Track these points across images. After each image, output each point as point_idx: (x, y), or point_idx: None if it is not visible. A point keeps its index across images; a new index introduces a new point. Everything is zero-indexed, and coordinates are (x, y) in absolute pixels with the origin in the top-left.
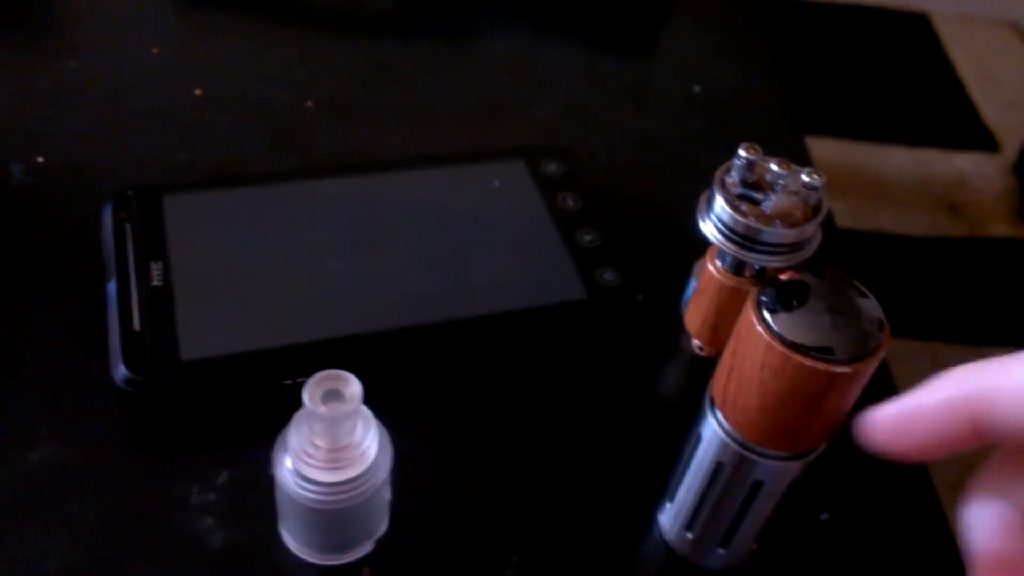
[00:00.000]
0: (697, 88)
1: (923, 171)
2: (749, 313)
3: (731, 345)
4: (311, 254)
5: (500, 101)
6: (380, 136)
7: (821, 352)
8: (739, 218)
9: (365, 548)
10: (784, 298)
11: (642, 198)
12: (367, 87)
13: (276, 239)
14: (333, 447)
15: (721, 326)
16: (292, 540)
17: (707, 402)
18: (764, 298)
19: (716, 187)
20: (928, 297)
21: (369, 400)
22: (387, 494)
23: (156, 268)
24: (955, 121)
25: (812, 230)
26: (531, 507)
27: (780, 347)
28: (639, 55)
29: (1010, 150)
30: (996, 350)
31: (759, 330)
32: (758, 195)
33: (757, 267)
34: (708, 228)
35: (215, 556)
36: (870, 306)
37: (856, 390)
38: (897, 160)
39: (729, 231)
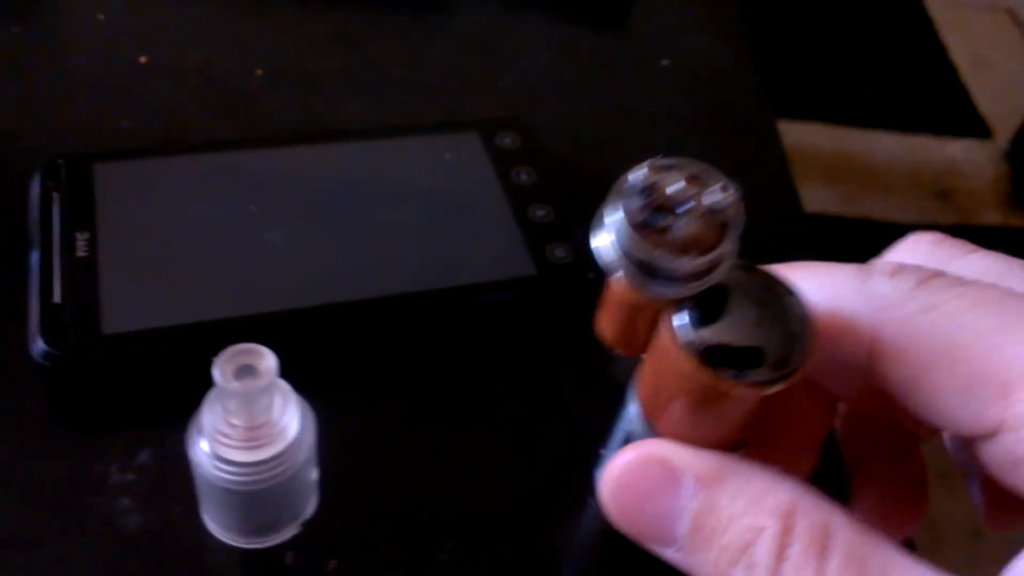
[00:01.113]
0: (665, 62)
1: (914, 157)
2: (665, 337)
3: (652, 361)
4: (248, 226)
5: (463, 72)
6: (334, 107)
7: (751, 356)
8: (641, 248)
9: (290, 531)
10: (703, 310)
11: (604, 174)
12: (321, 56)
13: (213, 210)
14: (250, 425)
15: (633, 332)
16: (213, 523)
17: (632, 399)
18: (679, 323)
19: (615, 206)
20: None
21: (304, 378)
22: (313, 475)
23: (82, 239)
24: (948, 107)
25: (726, 250)
26: (467, 490)
27: (707, 376)
28: (607, 27)
29: (1002, 137)
30: None
31: (680, 357)
32: (663, 219)
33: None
34: (605, 251)
35: (132, 539)
36: (797, 304)
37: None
38: (888, 146)
39: (630, 259)
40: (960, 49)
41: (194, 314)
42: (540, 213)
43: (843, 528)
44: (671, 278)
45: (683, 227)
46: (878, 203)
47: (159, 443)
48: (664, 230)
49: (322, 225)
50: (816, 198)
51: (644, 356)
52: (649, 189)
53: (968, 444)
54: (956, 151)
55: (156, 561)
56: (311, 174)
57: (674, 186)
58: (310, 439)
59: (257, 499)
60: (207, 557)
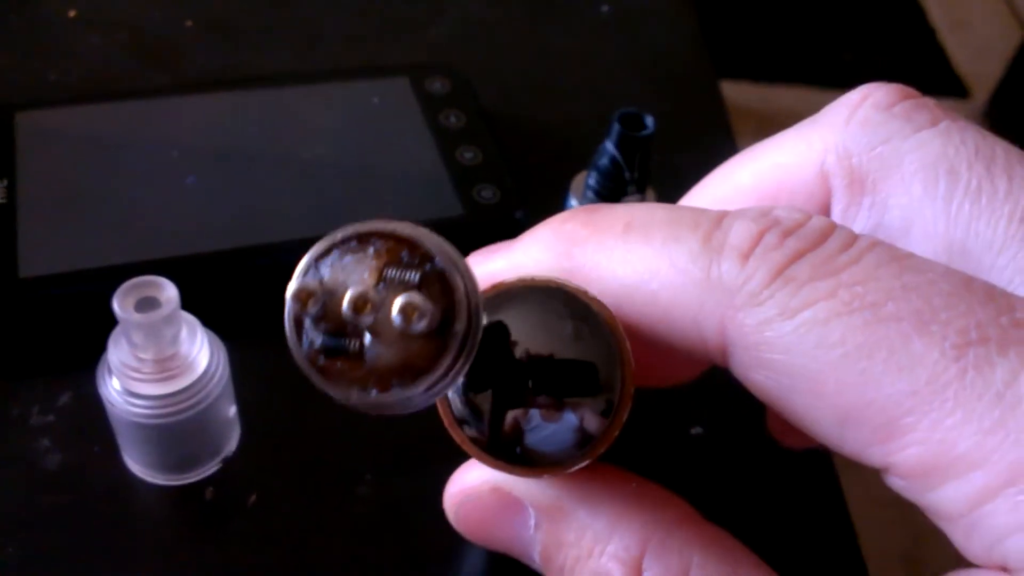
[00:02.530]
0: (605, 8)
1: None
2: (442, 414)
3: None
4: (170, 172)
5: (394, 22)
6: (266, 57)
7: (577, 378)
8: (328, 388)
9: (210, 468)
10: (481, 368)
11: (535, 118)
12: (252, 6)
13: (136, 157)
14: (158, 357)
15: None
16: (132, 461)
17: None
18: (453, 394)
19: (291, 338)
20: None
21: (223, 317)
22: (230, 410)
23: (1, 186)
24: (926, 68)
25: (448, 365)
26: (385, 424)
27: (489, 462)
28: None
29: (980, 96)
30: None
31: (460, 440)
32: (350, 344)
33: None
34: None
35: (52, 478)
36: (606, 330)
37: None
38: None
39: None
40: (938, 10)
41: (112, 257)
42: (468, 155)
43: (704, 569)
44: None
45: (375, 352)
46: None
47: (79, 386)
48: (356, 355)
49: (247, 170)
50: None
51: None
52: (317, 312)
53: None
54: None
55: (76, 499)
56: (237, 120)
57: (347, 301)
58: (222, 372)
59: (173, 434)
60: (127, 494)
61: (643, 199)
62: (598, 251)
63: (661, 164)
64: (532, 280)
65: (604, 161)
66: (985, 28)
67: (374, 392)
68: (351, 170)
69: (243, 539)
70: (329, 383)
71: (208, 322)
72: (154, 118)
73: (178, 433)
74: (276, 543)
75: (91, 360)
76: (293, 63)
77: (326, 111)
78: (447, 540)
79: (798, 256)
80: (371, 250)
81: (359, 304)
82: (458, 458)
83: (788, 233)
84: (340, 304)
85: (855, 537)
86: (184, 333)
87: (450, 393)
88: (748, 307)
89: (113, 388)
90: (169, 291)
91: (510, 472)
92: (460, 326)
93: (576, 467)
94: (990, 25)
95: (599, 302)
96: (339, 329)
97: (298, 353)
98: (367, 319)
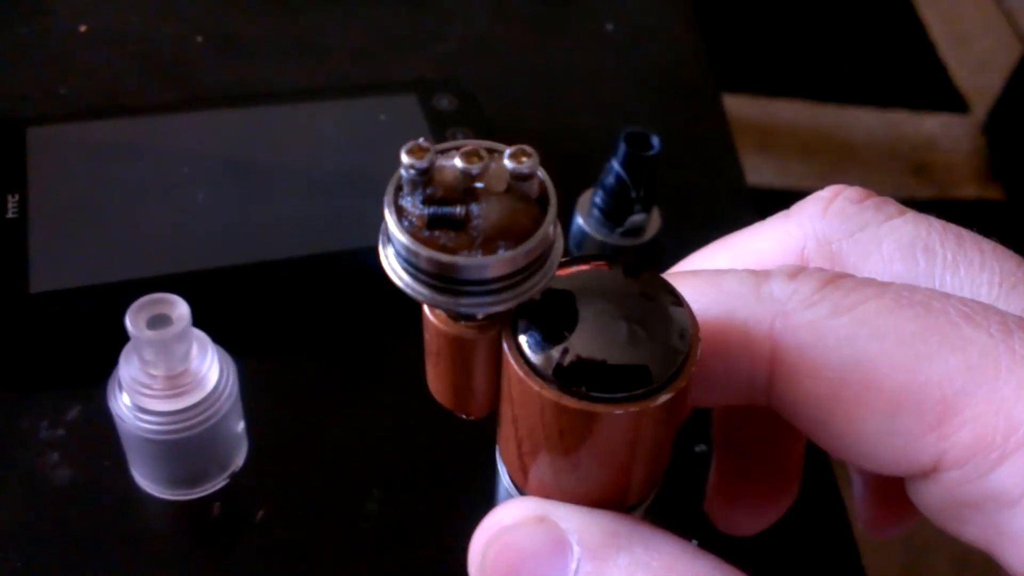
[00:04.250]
0: (610, 26)
1: (891, 132)
2: (511, 364)
3: (507, 411)
4: (180, 188)
5: (400, 37)
6: (275, 73)
7: (627, 376)
8: (433, 252)
9: (218, 483)
10: (552, 322)
11: (540, 134)
12: (261, 22)
13: (145, 172)
14: (169, 374)
15: (471, 385)
16: (141, 476)
17: (500, 465)
18: (524, 340)
19: (390, 214)
20: None
21: (231, 333)
22: (239, 426)
23: (13, 201)
24: (925, 82)
25: (547, 235)
26: (393, 440)
27: (574, 403)
28: None
29: (979, 111)
30: None
31: (536, 390)
32: (456, 210)
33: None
34: (394, 271)
35: (60, 492)
36: (680, 313)
37: (679, 413)
38: (866, 122)
39: (425, 274)
40: (939, 25)
41: (122, 272)
42: None
43: None
44: (485, 285)
45: (482, 213)
46: (856, 179)
47: (89, 400)
48: (461, 223)
49: (255, 186)
50: (793, 174)
51: (499, 409)
52: (425, 179)
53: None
54: (933, 126)
55: (85, 513)
56: (247, 136)
57: (460, 155)
58: (232, 388)
59: (182, 449)
60: (135, 509)
61: (648, 218)
62: None
63: (665, 180)
64: (598, 257)
65: (610, 180)
66: (985, 43)
67: (471, 257)
68: (358, 186)
69: (251, 554)
70: (427, 245)
71: (217, 337)
72: (165, 134)
73: (187, 449)
74: (283, 558)
75: (101, 375)
76: (302, 79)
77: (334, 128)
78: (455, 557)
79: (841, 276)
80: (453, 150)
81: (471, 157)
82: (469, 475)
83: (824, 270)
84: (443, 177)
85: (858, 555)
86: (195, 350)
87: (523, 342)
88: (800, 309)
89: (123, 403)
90: (181, 308)
91: (589, 406)
92: (552, 213)
93: (659, 400)
94: (990, 40)
95: (673, 291)
96: (443, 198)
97: (406, 216)
98: (479, 166)
